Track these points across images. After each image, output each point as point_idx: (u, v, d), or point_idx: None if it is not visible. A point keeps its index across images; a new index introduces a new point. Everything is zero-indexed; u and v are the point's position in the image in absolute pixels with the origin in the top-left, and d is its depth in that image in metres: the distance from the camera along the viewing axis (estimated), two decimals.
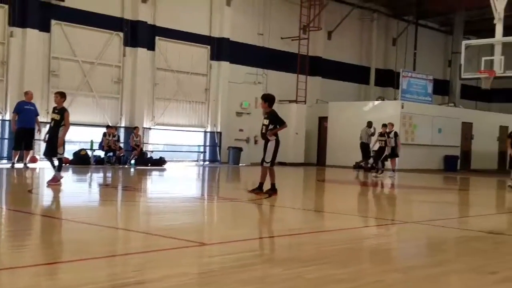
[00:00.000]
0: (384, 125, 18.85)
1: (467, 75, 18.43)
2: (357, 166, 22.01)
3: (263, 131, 10.42)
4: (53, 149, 10.84)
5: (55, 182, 10.75)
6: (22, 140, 15.98)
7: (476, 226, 7.92)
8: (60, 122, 10.83)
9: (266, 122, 10.41)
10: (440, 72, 33.29)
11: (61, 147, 10.82)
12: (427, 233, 7.16)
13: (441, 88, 31.68)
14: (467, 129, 26.89)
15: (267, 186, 10.51)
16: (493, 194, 15.56)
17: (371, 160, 20.26)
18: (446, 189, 15.68)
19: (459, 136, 26.39)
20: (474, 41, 21.65)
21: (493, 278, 4.67)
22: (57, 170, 10.90)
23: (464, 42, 19.01)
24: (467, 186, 17.55)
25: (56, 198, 9.78)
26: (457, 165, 25.28)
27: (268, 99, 10.46)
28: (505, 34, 17.65)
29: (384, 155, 18.39)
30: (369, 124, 20.61)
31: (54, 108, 11.10)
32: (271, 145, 10.37)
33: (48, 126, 11.39)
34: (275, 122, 10.35)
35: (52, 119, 11.01)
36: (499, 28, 17.21)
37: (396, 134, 18.69)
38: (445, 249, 6.14)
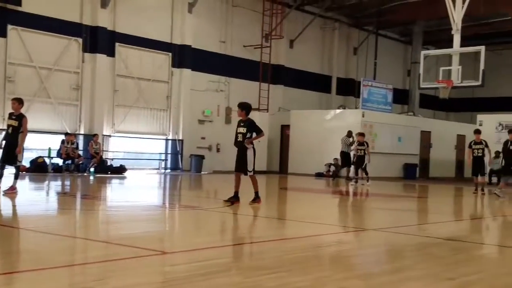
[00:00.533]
0: (361, 134, 19.11)
1: (425, 85, 18.80)
2: (335, 176, 21.84)
3: (239, 139, 10.42)
4: (11, 156, 10.67)
5: (12, 191, 10.55)
6: None
7: (434, 233, 8.06)
8: (19, 128, 10.67)
9: (243, 130, 10.40)
10: (400, 82, 33.97)
11: (20, 154, 10.67)
12: (387, 240, 7.25)
13: (401, 97, 32.34)
14: (426, 138, 27.46)
15: (230, 194, 10.45)
16: (451, 201, 15.93)
17: (352, 169, 20.36)
18: (405, 196, 15.96)
19: (418, 145, 26.91)
20: (432, 52, 22.15)
21: (450, 284, 4.76)
22: (15, 178, 10.74)
23: (423, 52, 19.41)
24: (426, 194, 17.89)
25: (12, 207, 9.49)
26: (416, 173, 25.76)
27: (245, 108, 10.50)
28: (463, 44, 18.12)
29: (364, 163, 18.61)
30: (349, 134, 20.85)
31: (11, 114, 10.90)
32: (250, 153, 10.42)
33: (4, 132, 11.09)
34: (253, 130, 10.37)
35: (10, 125, 10.79)
36: (456, 39, 17.63)
37: (366, 144, 18.92)
38: (405, 255, 6.23)
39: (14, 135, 10.68)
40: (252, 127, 10.37)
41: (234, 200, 10.43)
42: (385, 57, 32.09)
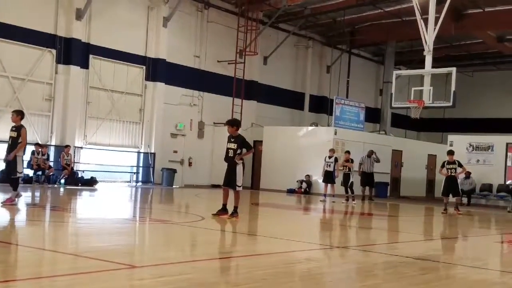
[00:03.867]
0: (348, 152, 19.33)
1: (397, 104, 19.05)
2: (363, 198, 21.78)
3: (230, 155, 10.65)
4: (12, 168, 10.85)
5: (10, 202, 10.70)
6: None
7: (404, 252, 8.12)
8: (17, 139, 10.89)
9: (233, 146, 10.65)
10: (372, 100, 34.42)
11: (19, 165, 10.85)
12: (357, 258, 7.32)
13: (373, 116, 32.76)
14: (397, 157, 27.76)
15: (201, 208, 10.47)
16: (421, 220, 16.12)
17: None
18: (376, 215, 16.11)
19: (390, 163, 27.21)
20: (404, 72, 22.53)
21: None
22: (14, 190, 10.90)
23: (395, 72, 19.71)
24: (397, 212, 18.07)
25: None
26: (387, 192, 26.01)
27: (235, 124, 10.92)
28: (434, 65, 18.48)
29: (350, 181, 18.76)
30: (370, 153, 21.30)
31: (12, 127, 11.13)
32: (239, 169, 10.66)
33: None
34: (243, 146, 10.67)
35: (10, 137, 11.05)
36: (428, 60, 17.95)
37: (336, 160, 19.13)
38: (375, 274, 6.27)
39: (13, 146, 10.86)
40: (242, 143, 10.68)
41: (222, 212, 10.71)
42: (357, 76, 32.54)
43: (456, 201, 16.77)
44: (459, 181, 17.21)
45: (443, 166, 16.54)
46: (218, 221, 10.46)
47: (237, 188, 10.69)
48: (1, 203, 10.73)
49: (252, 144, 25.85)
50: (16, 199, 10.93)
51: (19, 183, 11.10)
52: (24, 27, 19.71)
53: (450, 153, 16.78)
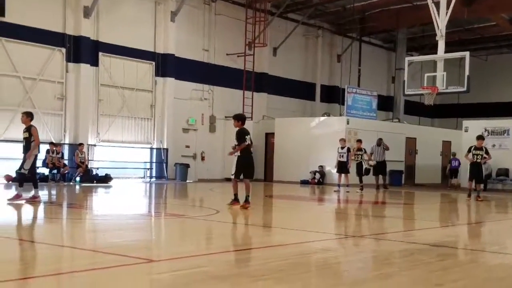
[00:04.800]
0: (359, 141, 19.25)
1: (410, 91, 18.85)
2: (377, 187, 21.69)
3: (232, 148, 11.46)
4: (20, 165, 11.30)
5: (33, 199, 11.16)
6: None
7: (420, 239, 8.07)
8: (30, 139, 11.28)
9: (235, 140, 11.31)
10: (384, 88, 34.21)
11: (28, 161, 11.15)
12: (373, 247, 7.30)
13: (385, 104, 32.56)
14: (411, 144, 27.58)
15: (215, 201, 10.50)
16: (437, 207, 15.97)
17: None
18: (390, 203, 16.04)
19: (404, 151, 27.04)
20: (416, 58, 22.29)
21: None
22: (19, 186, 11.36)
23: (407, 59, 19.47)
24: (412, 200, 17.95)
25: None
26: (401, 180, 25.86)
27: (239, 118, 11.46)
28: (447, 50, 18.23)
29: (363, 168, 18.72)
30: (379, 142, 21.18)
31: (24, 128, 11.51)
32: (235, 160, 11.23)
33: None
34: (238, 140, 11.20)
35: (24, 138, 11.45)
36: (441, 45, 17.70)
37: (348, 150, 19.05)
38: (391, 262, 6.22)
39: (27, 147, 11.27)
40: (238, 138, 11.18)
41: (242, 203, 11.23)
42: (369, 64, 32.33)
43: (477, 188, 16.48)
44: (485, 167, 16.84)
45: (469, 151, 16.12)
46: (233, 214, 10.49)
47: (231, 175, 11.47)
48: (7, 199, 11.24)
49: (263, 137, 26.34)
50: (21, 194, 11.24)
51: (24, 180, 11.43)
52: (34, 27, 19.84)
53: (480, 138, 16.34)
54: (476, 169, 16.04)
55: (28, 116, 11.53)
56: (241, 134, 11.13)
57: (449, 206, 16.14)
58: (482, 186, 18.36)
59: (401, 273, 5.50)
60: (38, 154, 11.59)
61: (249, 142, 11.24)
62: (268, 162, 26.51)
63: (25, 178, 11.42)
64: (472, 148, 16.11)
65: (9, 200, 11.17)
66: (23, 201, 11.09)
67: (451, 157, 25.82)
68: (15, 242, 6.81)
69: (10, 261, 5.61)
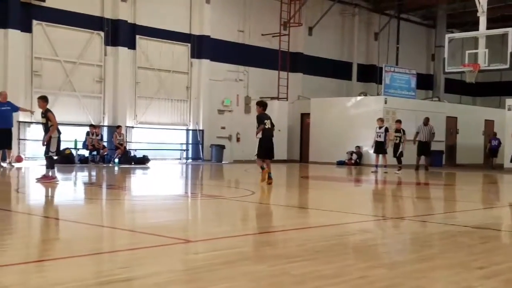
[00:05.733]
0: (398, 121, 19.02)
1: (451, 69, 18.43)
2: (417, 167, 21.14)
3: None
4: (46, 148, 11.59)
5: (47, 180, 11.33)
6: (0, 140, 16.47)
7: (462, 221, 7.93)
8: (47, 123, 11.52)
9: None
10: (424, 67, 33.55)
11: (53, 144, 11.48)
12: (413, 229, 7.20)
13: (425, 83, 31.94)
14: (451, 124, 27.01)
15: (251, 182, 10.54)
16: (479, 189, 15.59)
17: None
18: (430, 184, 15.79)
19: (444, 131, 26.49)
20: (457, 35, 21.73)
21: (481, 273, 4.64)
22: (47, 168, 11.59)
23: (448, 36, 19.02)
24: (453, 181, 17.59)
25: (42, 197, 9.77)
26: (442, 160, 25.43)
27: (260, 105, 12.69)
28: (489, 26, 17.71)
29: (400, 151, 18.52)
30: (426, 121, 20.74)
31: (41, 113, 11.73)
32: (258, 141, 12.54)
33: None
34: (258, 124, 12.40)
35: (42, 123, 11.78)
36: (482, 21, 17.22)
37: (386, 130, 18.82)
38: (431, 244, 6.12)
39: (47, 131, 11.58)
40: (257, 121, 12.45)
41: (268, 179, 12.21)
42: (407, 42, 31.70)
43: None
44: None
45: None
46: (268, 196, 10.53)
47: (254, 157, 12.70)
48: (36, 178, 11.61)
49: (299, 118, 26.21)
50: (52, 175, 11.51)
51: (54, 162, 11.72)
52: (73, 11, 20.18)
53: None
54: None
55: (44, 101, 11.68)
56: (260, 118, 12.30)
57: (491, 187, 15.79)
58: None
59: (441, 256, 5.41)
60: (59, 136, 11.74)
61: (269, 126, 12.32)
62: (303, 143, 26.45)
63: (55, 160, 11.78)
64: None
65: (37, 179, 11.53)
66: (57, 181, 11.44)
67: (491, 136, 25.24)
68: (58, 222, 7.01)
69: (54, 240, 5.80)
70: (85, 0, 20.58)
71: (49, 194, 10.27)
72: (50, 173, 11.48)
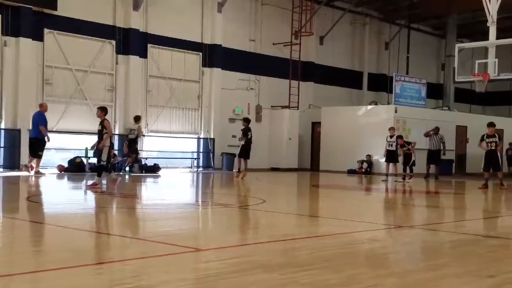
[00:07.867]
0: (400, 137, 19.01)
1: (460, 79, 18.40)
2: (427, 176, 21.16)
3: None
4: (98, 157, 12.71)
5: (94, 186, 12.24)
6: (31, 148, 17.19)
7: (472, 229, 7.90)
8: (103, 131, 12.55)
9: None
10: (434, 76, 33.44)
11: (104, 152, 12.51)
12: (423, 237, 7.17)
13: (435, 92, 31.81)
14: (461, 133, 26.86)
15: (262, 191, 10.52)
16: (489, 197, 15.50)
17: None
18: (441, 193, 15.71)
19: (454, 140, 26.37)
20: (467, 44, 21.70)
21: (491, 282, 4.62)
22: (97, 176, 12.55)
23: (457, 45, 18.99)
24: (463, 190, 17.53)
25: (52, 206, 9.82)
26: (452, 169, 25.26)
27: (246, 121, 18.22)
28: (499, 36, 17.67)
29: (412, 160, 18.47)
30: (436, 130, 20.75)
31: (99, 122, 12.81)
32: (244, 147, 17.98)
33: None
34: (243, 134, 17.90)
35: (98, 130, 12.79)
36: (492, 31, 17.20)
37: (399, 137, 18.74)
38: (442, 253, 6.11)
39: (100, 138, 12.57)
40: (242, 132, 17.87)
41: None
42: (418, 51, 31.63)
43: (499, 176, 16.03)
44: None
45: (482, 139, 15.77)
46: (278, 204, 10.50)
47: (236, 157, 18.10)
48: (87, 186, 12.58)
49: (310, 126, 26.33)
50: (97, 182, 12.41)
51: (103, 170, 12.68)
52: (85, 20, 20.32)
53: (490, 125, 15.90)
54: (492, 157, 15.63)
55: (103, 110, 12.83)
56: (245, 130, 17.58)
57: (502, 196, 15.66)
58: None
59: (452, 264, 5.39)
60: (112, 145, 12.96)
61: (250, 136, 17.72)
62: (314, 152, 26.40)
63: (104, 168, 12.75)
64: (485, 136, 15.74)
65: (88, 186, 12.44)
66: (99, 189, 12.15)
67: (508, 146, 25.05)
68: (68, 231, 7.04)
69: (64, 249, 5.81)
70: (97, 9, 20.74)
71: (60, 203, 10.31)
72: (96, 180, 12.42)
